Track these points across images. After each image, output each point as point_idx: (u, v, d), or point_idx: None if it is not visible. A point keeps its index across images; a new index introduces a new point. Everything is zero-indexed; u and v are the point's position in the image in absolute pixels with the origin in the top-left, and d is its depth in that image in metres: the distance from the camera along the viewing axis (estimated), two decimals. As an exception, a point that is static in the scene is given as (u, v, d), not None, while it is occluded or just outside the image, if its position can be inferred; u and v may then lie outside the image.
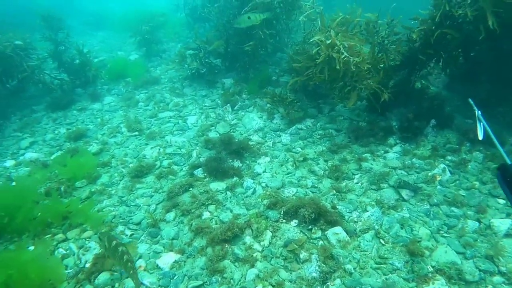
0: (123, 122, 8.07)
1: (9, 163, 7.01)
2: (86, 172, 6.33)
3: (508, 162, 2.06)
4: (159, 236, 5.02)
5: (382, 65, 6.54)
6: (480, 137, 2.44)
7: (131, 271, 3.90)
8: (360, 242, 4.64)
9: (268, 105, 7.84)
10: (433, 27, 5.98)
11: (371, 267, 4.31)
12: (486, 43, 6.02)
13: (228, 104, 8.21)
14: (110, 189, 6.09)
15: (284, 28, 9.61)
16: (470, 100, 3.41)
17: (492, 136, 2.36)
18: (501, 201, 5.00)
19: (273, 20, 8.85)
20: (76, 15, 16.42)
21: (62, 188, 6.03)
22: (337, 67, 6.07)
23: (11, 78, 9.33)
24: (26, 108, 9.09)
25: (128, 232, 5.14)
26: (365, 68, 6.11)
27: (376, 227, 4.82)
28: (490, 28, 5.26)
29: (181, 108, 8.55)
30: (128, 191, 5.98)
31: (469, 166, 5.67)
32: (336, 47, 6.14)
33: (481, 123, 2.62)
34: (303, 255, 4.46)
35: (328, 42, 6.16)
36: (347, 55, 6.03)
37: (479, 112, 2.84)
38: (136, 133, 7.62)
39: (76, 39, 10.53)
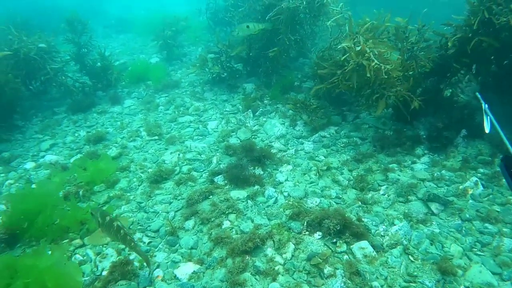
0: (142, 126, 8.00)
1: (29, 165, 7.00)
2: (105, 177, 6.25)
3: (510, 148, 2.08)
4: (177, 245, 4.88)
5: (411, 72, 6.30)
6: (487, 130, 2.48)
7: (132, 244, 3.84)
8: (387, 258, 4.40)
9: (291, 111, 7.66)
10: (470, 35, 5.72)
11: (399, 286, 4.06)
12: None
13: (250, 110, 8.06)
14: (128, 194, 5.98)
15: (308, 33, 9.44)
16: (477, 94, 3.43)
17: (499, 129, 2.40)
18: (540, 218, 4.71)
19: (297, 25, 8.69)
20: (98, 18, 16.59)
21: (80, 192, 5.95)
22: (368, 74, 5.86)
23: (34, 80, 9.40)
24: (47, 110, 9.12)
25: (146, 240, 5.01)
26: (396, 75, 5.89)
27: (405, 242, 4.57)
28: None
29: (202, 112, 8.44)
30: (147, 197, 5.87)
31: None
32: (366, 54, 5.94)
33: (488, 117, 2.65)
34: (327, 270, 4.24)
35: (358, 48, 5.96)
36: (378, 63, 5.82)
37: (486, 106, 2.82)
38: (156, 137, 7.54)
39: (98, 41, 10.66)
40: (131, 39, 15.28)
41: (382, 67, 5.80)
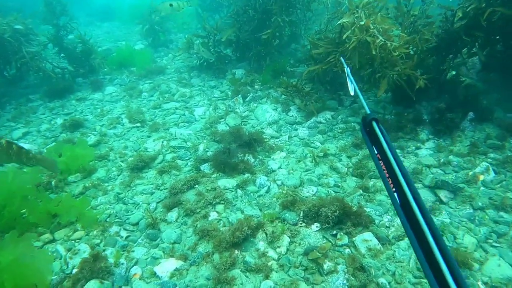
0: (124, 113, 7.43)
1: (-1, 154, 6.39)
2: (82, 164, 5.69)
3: (368, 112, 1.96)
4: (158, 239, 4.35)
5: (414, 49, 5.82)
6: (352, 93, 2.50)
7: (29, 155, 3.37)
8: (394, 251, 3.92)
9: (283, 96, 7.15)
10: (484, 5, 5.22)
11: (409, 282, 3.58)
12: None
13: (239, 95, 7.53)
14: (106, 184, 5.43)
15: (301, 18, 8.93)
16: (341, 58, 3.51)
17: (357, 90, 2.39)
18: (560, 205, 4.26)
19: (290, 7, 8.18)
20: (81, 5, 15.88)
21: (53, 183, 5.39)
22: (373, 52, 5.36)
23: (9, 65, 8.76)
24: (23, 97, 8.49)
25: (124, 234, 4.46)
26: (401, 53, 5.40)
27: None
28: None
29: (188, 99, 7.89)
30: (126, 187, 5.32)
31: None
32: (370, 30, 5.44)
33: (351, 79, 2.57)
34: (327, 265, 3.75)
35: (361, 23, 5.45)
36: (383, 39, 5.33)
37: (348, 69, 2.73)
38: (138, 124, 6.97)
39: (80, 29, 9.90)
40: (116, 27, 14.64)
41: (388, 44, 5.31)
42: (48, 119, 7.57)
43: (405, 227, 1.41)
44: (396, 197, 1.51)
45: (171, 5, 7.02)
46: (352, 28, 5.58)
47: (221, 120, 6.87)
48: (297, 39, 9.82)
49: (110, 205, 4.99)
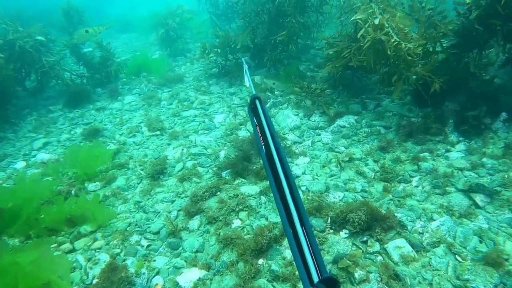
0: (143, 122, 7.36)
1: (20, 164, 6.38)
2: (99, 164, 5.82)
3: (254, 92, 2.56)
4: (180, 248, 4.20)
5: (431, 46, 5.61)
6: (248, 85, 2.99)
7: None
8: (430, 258, 3.67)
9: (295, 96, 7.05)
10: None
11: (448, 292, 3.34)
12: None
13: (259, 101, 7.37)
14: (126, 193, 5.32)
15: (314, 21, 8.79)
16: (243, 59, 4.07)
17: (249, 78, 2.99)
18: None
19: (304, 10, 8.06)
20: (100, 18, 16.09)
21: (72, 191, 5.32)
22: (388, 52, 5.16)
23: (30, 75, 8.88)
24: (43, 108, 8.54)
25: (145, 243, 4.33)
26: (419, 51, 5.18)
27: (449, 239, 3.84)
28: None
29: (207, 106, 7.78)
30: (146, 195, 5.20)
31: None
32: (385, 29, 5.25)
33: (247, 74, 3.24)
34: (358, 274, 3.53)
35: (376, 22, 5.26)
36: (398, 39, 5.13)
37: (246, 66, 3.48)
38: (158, 132, 6.89)
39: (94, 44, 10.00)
40: (134, 38, 14.77)
41: (403, 45, 5.10)
42: (68, 129, 7.56)
43: (267, 170, 1.87)
44: (263, 149, 2.02)
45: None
46: (367, 26, 5.39)
47: (242, 126, 6.73)
48: (313, 45, 9.69)
49: (130, 214, 4.87)
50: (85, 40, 7.22)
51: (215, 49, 8.92)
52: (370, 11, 5.48)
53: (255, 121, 2.25)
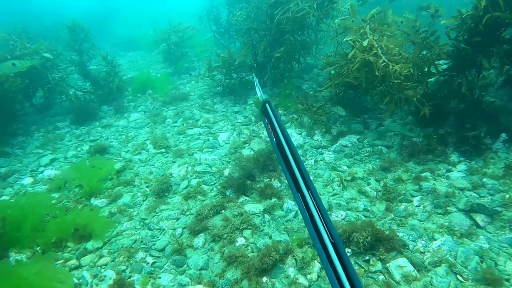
0: (148, 139, 7.48)
1: (27, 180, 6.48)
2: (103, 176, 6.01)
3: (262, 98, 2.80)
4: (185, 265, 4.26)
5: (426, 69, 5.79)
6: (259, 94, 3.16)
7: None
8: (431, 278, 3.72)
9: (294, 116, 7.20)
10: (481, 13, 5.16)
11: (450, 312, 3.39)
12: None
13: (263, 120, 7.50)
14: (131, 210, 5.41)
15: (312, 39, 8.98)
16: (253, 74, 4.34)
17: (258, 87, 3.36)
18: None
19: (304, 26, 8.27)
20: (107, 36, 16.42)
21: (79, 208, 5.40)
22: (376, 73, 5.33)
23: (37, 92, 9.09)
24: (50, 125, 8.69)
25: (150, 260, 4.39)
26: (406, 73, 5.34)
27: (450, 259, 3.90)
28: None
29: (212, 124, 7.91)
30: (152, 212, 5.28)
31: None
32: (373, 50, 5.42)
33: (257, 84, 3.48)
34: (361, 293, 3.58)
35: (365, 44, 5.44)
36: (386, 60, 5.28)
37: (256, 80, 3.68)
38: (163, 150, 7.00)
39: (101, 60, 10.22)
40: (139, 56, 15.00)
41: (390, 67, 5.25)
42: (74, 145, 7.68)
43: (278, 157, 2.22)
44: (274, 140, 2.30)
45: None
46: (356, 47, 5.58)
47: (246, 145, 6.83)
48: (316, 64, 9.89)
49: (136, 231, 4.94)
50: (11, 71, 7.37)
51: (219, 68, 9.09)
52: (362, 31, 5.67)
53: (266, 120, 2.56)
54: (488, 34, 5.34)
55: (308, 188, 1.90)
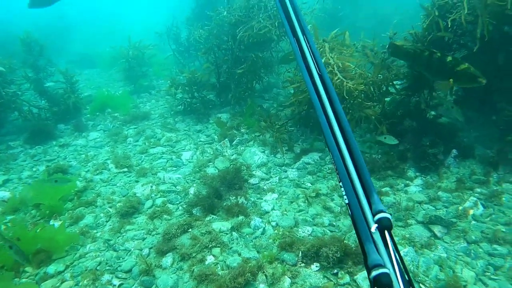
0: (110, 158, 7.32)
1: (-22, 203, 6.13)
2: (62, 195, 5.86)
3: None
4: (154, 286, 4.19)
5: (384, 88, 6.18)
6: None
7: None
8: (396, 288, 3.89)
9: (257, 134, 7.40)
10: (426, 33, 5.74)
11: (414, 320, 3.55)
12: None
13: (226, 139, 7.58)
14: (95, 231, 5.25)
15: (275, 56, 9.27)
16: None
17: None
18: (551, 237, 4.39)
19: (263, 44, 8.55)
20: (61, 53, 15.98)
21: (38, 231, 5.17)
22: None
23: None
24: (2, 144, 8.28)
25: (117, 282, 4.28)
26: (361, 89, 5.69)
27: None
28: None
29: (174, 143, 7.87)
30: (116, 233, 5.16)
31: (503, 199, 5.07)
32: (329, 67, 5.73)
33: None
34: (331, 306, 3.69)
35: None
36: (341, 77, 5.60)
37: None
38: (125, 169, 6.87)
39: (59, 77, 9.95)
40: (96, 74, 14.67)
41: (345, 83, 5.56)
42: (29, 166, 7.37)
43: (293, 47, 2.02)
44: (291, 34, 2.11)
45: None
46: None
47: (210, 163, 6.86)
48: (277, 84, 10.16)
49: (100, 253, 4.81)
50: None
51: (183, 86, 9.11)
52: (321, 50, 5.97)
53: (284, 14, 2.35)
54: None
55: (303, 33, 2.00)
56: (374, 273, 1.07)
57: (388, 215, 1.26)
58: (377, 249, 1.19)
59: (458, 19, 5.32)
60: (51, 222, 5.46)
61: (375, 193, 1.36)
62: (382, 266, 1.07)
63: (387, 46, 6.05)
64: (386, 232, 1.18)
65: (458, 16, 5.32)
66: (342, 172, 1.46)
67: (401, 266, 1.13)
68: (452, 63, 4.88)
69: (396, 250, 1.15)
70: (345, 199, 1.41)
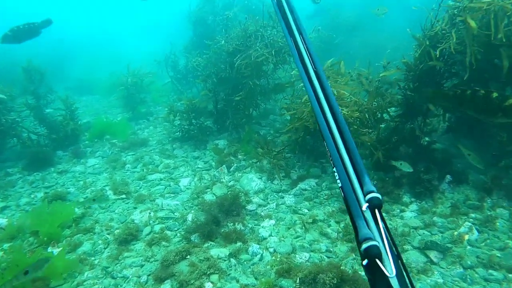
0: (108, 185, 7.37)
1: (-24, 231, 6.13)
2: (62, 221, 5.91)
3: None
4: (152, 314, 4.19)
5: (379, 115, 6.33)
6: None
7: None
8: (394, 315, 3.92)
9: (254, 160, 7.53)
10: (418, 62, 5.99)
11: None
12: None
13: (224, 165, 7.67)
14: (92, 258, 5.26)
15: (272, 84, 9.46)
16: None
17: None
18: (545, 261, 4.46)
19: (261, 72, 8.75)
20: (60, 79, 16.19)
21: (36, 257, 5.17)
22: None
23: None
24: (0, 170, 8.32)
25: (115, 310, 4.28)
26: (356, 116, 5.85)
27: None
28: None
29: (172, 170, 7.95)
30: (114, 260, 5.17)
31: (497, 224, 5.15)
32: None
33: None
34: (329, 333, 3.70)
35: None
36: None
37: None
38: (123, 196, 6.92)
39: (59, 104, 10.12)
40: (95, 100, 14.83)
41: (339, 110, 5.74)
42: (27, 192, 7.40)
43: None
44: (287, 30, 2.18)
45: None
46: None
47: (208, 190, 6.92)
48: (274, 110, 10.33)
49: (98, 280, 4.82)
50: None
51: (181, 113, 9.25)
52: None
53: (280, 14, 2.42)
54: (429, 83, 6.00)
55: (300, 33, 2.09)
56: (364, 245, 1.14)
57: (378, 195, 1.34)
58: (368, 226, 1.27)
59: (448, 48, 5.53)
60: (49, 249, 5.47)
61: (366, 175, 1.43)
62: (372, 239, 1.16)
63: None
64: (376, 211, 1.26)
65: (448, 45, 5.53)
66: (335, 157, 1.54)
67: (390, 240, 1.20)
68: (499, 99, 4.85)
69: (385, 226, 1.23)
70: (339, 182, 1.48)
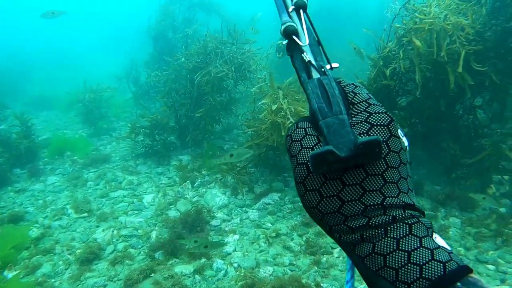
0: (69, 203, 7.22)
1: None
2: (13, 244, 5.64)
3: None
4: (116, 335, 4.16)
5: None
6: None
7: None
8: (353, 324, 4.09)
9: (218, 176, 7.60)
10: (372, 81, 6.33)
11: None
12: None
13: (187, 181, 7.70)
14: (53, 280, 5.15)
15: (233, 99, 9.61)
16: None
17: None
18: (491, 266, 4.77)
19: (222, 88, 8.92)
20: (17, 95, 15.72)
21: (-8, 283, 5.02)
22: (282, 133, 6.00)
23: None
24: (-49, 192, 7.98)
25: (77, 332, 4.22)
26: None
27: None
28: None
29: (136, 186, 7.89)
30: (76, 281, 5.09)
31: (450, 233, 5.47)
32: (282, 112, 6.13)
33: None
34: None
35: (274, 107, 6.15)
36: (293, 121, 5.98)
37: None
38: (85, 214, 6.80)
39: (13, 121, 9.85)
40: (54, 116, 14.43)
41: None
42: (-19, 214, 7.13)
43: None
44: None
45: None
46: (267, 109, 6.30)
47: (171, 206, 6.93)
48: (237, 125, 10.48)
49: (59, 302, 4.72)
50: None
51: (143, 130, 9.22)
52: (275, 96, 6.38)
53: None
54: (384, 100, 6.34)
55: None
56: (283, 26, 1.12)
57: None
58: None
59: (398, 68, 5.88)
60: (5, 273, 5.30)
61: None
62: (292, 24, 1.18)
63: None
64: (301, 11, 1.21)
65: (398, 65, 5.89)
66: None
67: (315, 35, 1.18)
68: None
69: (311, 24, 1.20)
70: None
